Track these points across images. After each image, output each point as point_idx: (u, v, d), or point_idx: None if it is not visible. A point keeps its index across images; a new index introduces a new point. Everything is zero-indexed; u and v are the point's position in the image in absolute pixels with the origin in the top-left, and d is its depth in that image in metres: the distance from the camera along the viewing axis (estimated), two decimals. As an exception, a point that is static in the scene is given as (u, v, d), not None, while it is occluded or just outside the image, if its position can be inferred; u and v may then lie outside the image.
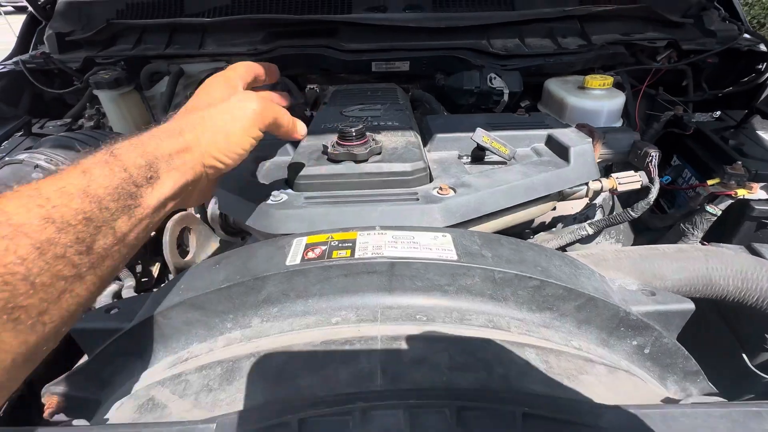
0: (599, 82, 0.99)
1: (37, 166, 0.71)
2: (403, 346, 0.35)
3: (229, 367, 0.36)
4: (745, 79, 1.25)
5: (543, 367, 0.35)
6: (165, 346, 0.47)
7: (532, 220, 0.89)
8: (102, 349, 0.46)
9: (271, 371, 0.34)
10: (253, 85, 0.55)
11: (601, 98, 1.00)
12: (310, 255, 0.44)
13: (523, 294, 0.44)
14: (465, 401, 0.28)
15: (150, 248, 1.11)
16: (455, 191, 0.60)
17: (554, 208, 0.89)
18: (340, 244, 0.45)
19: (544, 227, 0.90)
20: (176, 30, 1.19)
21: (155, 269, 1.11)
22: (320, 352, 0.35)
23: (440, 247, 0.45)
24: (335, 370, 0.33)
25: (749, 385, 0.65)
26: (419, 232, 0.47)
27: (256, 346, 0.39)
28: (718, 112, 1.08)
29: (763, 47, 1.22)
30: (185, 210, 0.77)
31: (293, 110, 1.06)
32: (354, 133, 0.63)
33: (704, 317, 0.74)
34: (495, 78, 1.07)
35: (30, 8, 1.34)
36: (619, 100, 0.99)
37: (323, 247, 0.45)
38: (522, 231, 0.89)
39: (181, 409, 0.34)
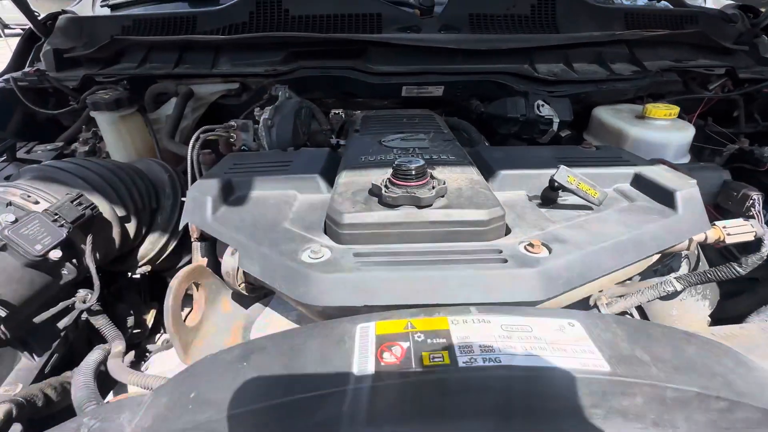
0: (664, 111, 0.88)
1: (9, 203, 0.57)
2: None
3: None
4: (805, 111, 1.15)
5: None
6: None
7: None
8: None
9: None
10: None
11: (666, 129, 0.88)
12: (388, 358, 0.30)
13: (701, 419, 0.30)
14: None
15: (144, 292, 0.96)
16: (549, 249, 0.46)
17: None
18: (428, 340, 0.31)
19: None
20: (187, 48, 1.08)
21: (150, 317, 0.95)
22: None
23: (576, 347, 0.31)
24: None
25: None
26: (536, 317, 0.33)
27: None
28: (792, 146, 0.97)
29: (823, 77, 1.13)
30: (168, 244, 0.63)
31: (316, 137, 0.93)
32: (414, 171, 0.50)
33: None
34: (543, 105, 0.96)
35: (29, 24, 1.24)
36: (688, 132, 0.88)
37: (404, 344, 0.31)
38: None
39: None
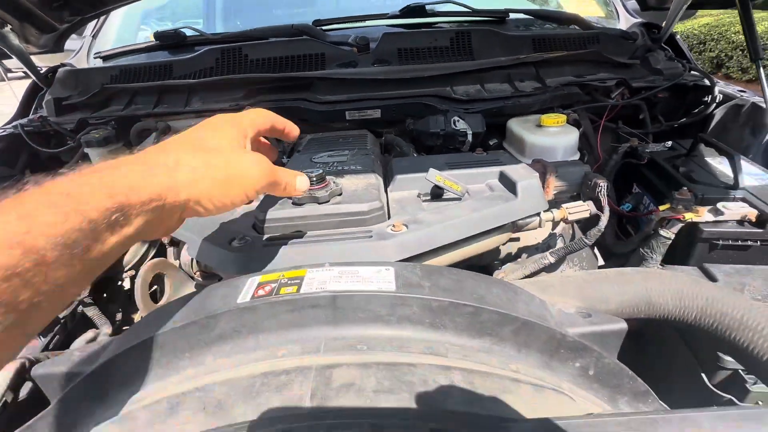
0: (553, 120, 1.07)
1: None
2: (336, 373, 0.37)
3: (175, 401, 0.38)
4: (696, 111, 1.34)
5: (467, 388, 0.37)
6: (126, 387, 0.49)
7: (499, 252, 0.92)
8: (64, 395, 0.48)
9: (212, 403, 0.36)
10: (267, 135, 0.53)
11: (556, 135, 1.07)
12: (260, 293, 0.48)
13: (461, 321, 0.47)
14: (379, 420, 0.30)
15: (132, 295, 1.14)
16: (407, 227, 0.64)
17: (518, 240, 0.93)
18: (289, 281, 0.49)
19: (511, 258, 0.94)
20: (164, 91, 1.29)
21: (137, 316, 1.13)
22: (258, 384, 0.37)
23: (382, 280, 0.48)
24: (268, 398, 0.35)
25: (710, 404, 0.65)
26: (365, 266, 0.51)
27: (204, 381, 0.41)
28: (670, 142, 1.15)
29: (706, 81, 1.32)
30: (148, 251, 0.81)
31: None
32: (315, 178, 0.68)
33: (661, 332, 0.75)
34: (458, 120, 1.15)
35: (33, 77, 1.46)
36: (572, 136, 1.06)
37: (273, 285, 0.49)
38: (490, 263, 0.92)
39: (125, 445, 0.36)
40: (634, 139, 1.20)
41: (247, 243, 0.63)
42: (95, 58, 1.63)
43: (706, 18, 8.49)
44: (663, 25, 1.48)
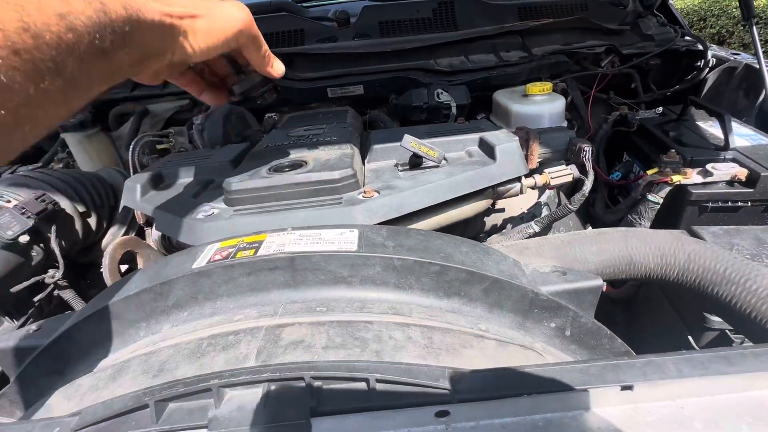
0: (539, 88, 1.04)
1: (-13, 203, 0.74)
2: (285, 332, 0.36)
3: (119, 367, 0.37)
4: (689, 77, 1.30)
5: (423, 343, 0.35)
6: (84, 360, 0.47)
7: (484, 224, 0.90)
8: (21, 372, 0.47)
9: (155, 366, 0.35)
10: (243, 47, 0.49)
11: (542, 103, 1.04)
12: (217, 258, 0.46)
13: (427, 281, 0.45)
14: (321, 372, 0.28)
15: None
16: (379, 194, 0.62)
17: (503, 210, 0.91)
18: (248, 246, 0.47)
19: (497, 229, 0.91)
20: (142, 73, 1.26)
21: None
22: (204, 344, 0.35)
23: (343, 241, 0.46)
24: (213, 358, 0.33)
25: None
26: (327, 229, 0.49)
27: (153, 347, 0.40)
28: (661, 108, 1.12)
29: (699, 46, 1.28)
30: (127, 234, 0.80)
31: (251, 138, 1.10)
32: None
33: (649, 299, 0.73)
34: (442, 93, 1.12)
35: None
36: (559, 103, 1.03)
37: (231, 250, 0.47)
38: (476, 235, 0.90)
39: (65, 410, 0.34)
40: (624, 107, 1.17)
41: (212, 214, 0.61)
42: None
43: (704, -7, 8.30)
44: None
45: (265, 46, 0.51)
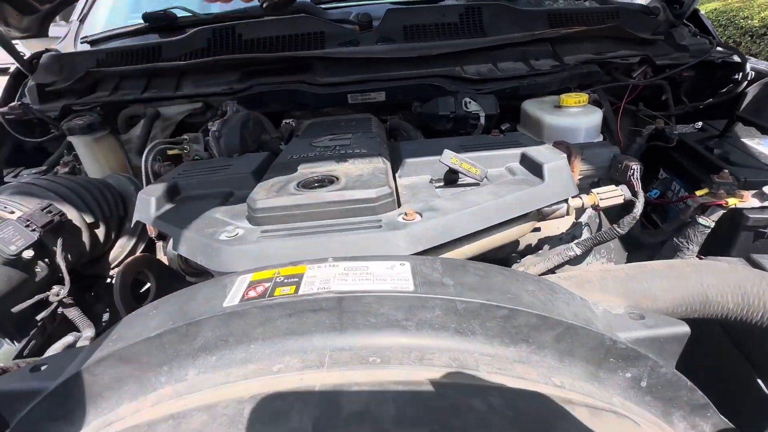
0: (574, 99, 0.98)
1: (-11, 214, 0.68)
2: (345, 398, 0.30)
3: (143, 433, 0.31)
4: (724, 90, 1.25)
5: (510, 415, 0.29)
6: (94, 407, 0.41)
7: (518, 243, 0.84)
8: (23, 417, 0.41)
9: (187, 437, 0.29)
10: None
11: (577, 116, 0.98)
12: (251, 294, 0.40)
13: (493, 326, 0.39)
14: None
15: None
16: (421, 216, 0.56)
17: (539, 230, 0.85)
18: (286, 280, 0.41)
19: (531, 250, 0.85)
20: (154, 75, 1.20)
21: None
22: (247, 410, 0.30)
23: (396, 278, 0.40)
24: (259, 432, 0.28)
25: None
26: (375, 261, 0.43)
27: (182, 404, 0.34)
28: (700, 123, 1.06)
29: (736, 58, 1.22)
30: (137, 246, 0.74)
31: (268, 145, 1.04)
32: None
33: (710, 340, 0.67)
34: (470, 102, 1.06)
35: (16, 63, 1.38)
36: (596, 116, 0.98)
37: (267, 285, 0.41)
38: (508, 255, 0.84)
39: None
40: (660, 120, 1.11)
41: (237, 235, 0.55)
42: (82, 43, 1.54)
43: (714, 3, 8.26)
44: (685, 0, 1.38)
45: None
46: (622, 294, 0.50)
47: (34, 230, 0.68)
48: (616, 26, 1.19)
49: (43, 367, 0.44)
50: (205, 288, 0.43)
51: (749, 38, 7.06)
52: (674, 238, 0.83)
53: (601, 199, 0.69)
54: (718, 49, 1.27)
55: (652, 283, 0.51)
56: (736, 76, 1.21)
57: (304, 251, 0.51)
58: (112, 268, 0.91)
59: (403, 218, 0.55)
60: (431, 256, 0.52)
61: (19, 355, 0.67)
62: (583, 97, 0.99)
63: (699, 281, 0.50)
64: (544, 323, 0.39)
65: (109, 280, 0.95)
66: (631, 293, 0.50)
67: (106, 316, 0.92)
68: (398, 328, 0.39)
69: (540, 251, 0.84)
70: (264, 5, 0.50)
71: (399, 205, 0.62)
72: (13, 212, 0.70)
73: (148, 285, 0.77)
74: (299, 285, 0.40)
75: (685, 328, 0.42)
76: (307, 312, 0.38)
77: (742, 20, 7.27)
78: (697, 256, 0.81)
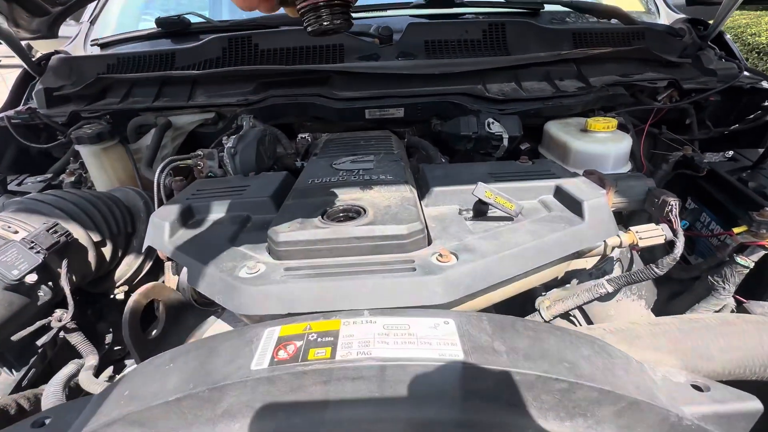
0: (603, 125, 0.95)
1: (-9, 234, 0.64)
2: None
3: None
4: (751, 116, 1.21)
5: None
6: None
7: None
8: None
9: None
10: None
11: (606, 141, 0.95)
12: (282, 355, 0.36)
13: (548, 399, 0.35)
14: None
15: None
16: (457, 257, 0.52)
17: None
18: (319, 339, 0.37)
19: (557, 283, 0.81)
20: (166, 82, 1.17)
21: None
22: None
23: (442, 341, 0.36)
24: None
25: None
26: (416, 318, 0.39)
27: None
28: (731, 152, 1.03)
29: (765, 84, 1.19)
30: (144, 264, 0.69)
31: (283, 161, 1.00)
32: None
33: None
34: (493, 123, 1.02)
35: (24, 65, 1.34)
36: (626, 143, 0.94)
37: (298, 343, 0.37)
38: (533, 288, 0.80)
39: None
40: (688, 147, 1.08)
41: (259, 272, 0.51)
42: (92, 45, 1.51)
43: (722, 19, 8.26)
44: (711, 22, 1.35)
45: None
46: (675, 353, 0.47)
47: (38, 252, 0.64)
48: (644, 48, 1.16)
49: (47, 421, 0.40)
50: (228, 342, 0.39)
51: (756, 55, 7.04)
52: (709, 276, 0.79)
53: (640, 239, 0.65)
54: (746, 73, 1.24)
55: (708, 342, 0.47)
56: (766, 103, 1.18)
57: (333, 295, 0.47)
58: (118, 286, 0.87)
59: (438, 259, 0.51)
60: (468, 310, 0.48)
61: (18, 386, 0.63)
62: (612, 122, 0.95)
63: (759, 341, 0.46)
64: (605, 398, 0.35)
65: (113, 297, 0.90)
66: (685, 352, 0.46)
67: (109, 337, 0.88)
68: (445, 399, 0.35)
69: (567, 285, 0.80)
70: (309, 31, 0.47)
71: (430, 241, 0.58)
72: (17, 231, 0.66)
73: (161, 312, 0.72)
74: (335, 346, 0.36)
75: (758, 405, 0.38)
76: (346, 381, 0.34)
77: (749, 37, 7.26)
78: (733, 296, 0.77)
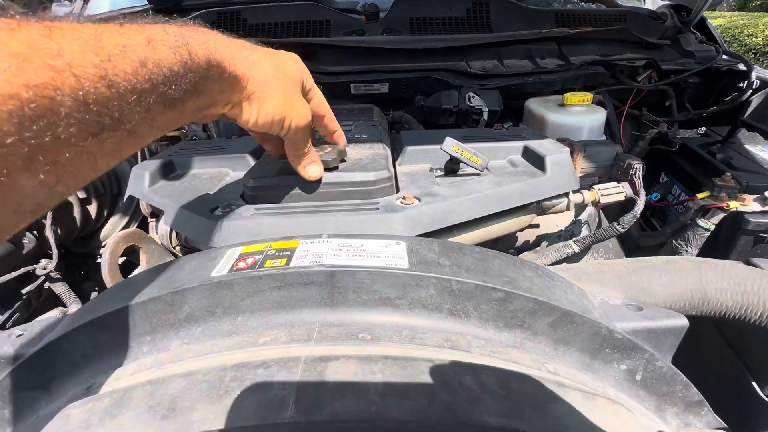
0: (578, 98, 0.97)
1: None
2: (330, 369, 0.28)
3: (119, 398, 0.29)
4: (728, 98, 1.24)
5: (501, 394, 0.28)
6: (74, 375, 0.40)
7: (515, 239, 0.83)
8: None
9: (164, 402, 0.28)
10: (286, 139, 0.50)
11: (581, 114, 0.98)
12: (241, 265, 0.39)
13: (488, 308, 0.38)
14: (389, 437, 0.22)
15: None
16: (420, 201, 0.55)
17: (537, 226, 0.84)
18: (277, 253, 0.40)
19: (529, 246, 0.84)
20: (155, 55, 1.19)
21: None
22: (227, 378, 0.28)
23: (391, 255, 0.39)
24: (240, 400, 0.26)
25: (763, 417, 0.57)
26: (370, 239, 0.42)
27: (162, 373, 0.33)
28: (704, 129, 1.06)
29: (742, 66, 1.22)
30: (130, 225, 0.72)
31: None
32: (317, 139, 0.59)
33: (703, 338, 0.66)
34: (474, 97, 1.05)
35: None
36: (599, 115, 0.97)
37: (258, 257, 0.40)
38: (505, 251, 0.83)
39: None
40: (663, 124, 1.11)
41: (231, 211, 0.54)
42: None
43: (719, 20, 8.30)
44: (692, 8, 1.38)
45: (305, 150, 0.52)
46: (620, 287, 0.50)
47: (23, 201, 0.66)
48: (623, 29, 1.19)
49: (21, 334, 0.43)
50: (194, 259, 0.42)
51: (753, 55, 7.09)
52: (673, 241, 0.82)
53: (602, 195, 0.68)
54: (724, 56, 1.27)
55: (651, 278, 0.50)
56: (741, 85, 1.21)
57: (299, 229, 0.50)
58: (103, 247, 0.90)
59: (401, 202, 0.54)
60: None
61: (2, 328, 0.66)
62: (587, 96, 0.98)
63: (699, 277, 0.49)
64: (540, 308, 0.38)
65: (99, 259, 0.93)
66: (629, 287, 0.49)
67: (93, 295, 0.91)
68: (390, 306, 0.38)
69: (537, 248, 0.84)
70: None
71: (398, 191, 0.60)
72: (3, 181, 0.69)
73: (141, 262, 0.75)
74: (291, 258, 0.39)
75: (684, 321, 0.41)
76: (298, 285, 0.37)
77: (746, 37, 7.31)
78: (695, 259, 0.80)
